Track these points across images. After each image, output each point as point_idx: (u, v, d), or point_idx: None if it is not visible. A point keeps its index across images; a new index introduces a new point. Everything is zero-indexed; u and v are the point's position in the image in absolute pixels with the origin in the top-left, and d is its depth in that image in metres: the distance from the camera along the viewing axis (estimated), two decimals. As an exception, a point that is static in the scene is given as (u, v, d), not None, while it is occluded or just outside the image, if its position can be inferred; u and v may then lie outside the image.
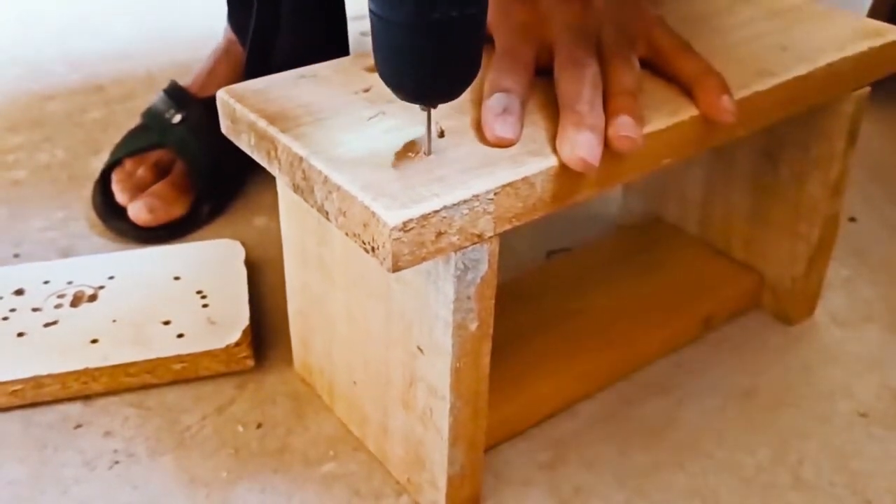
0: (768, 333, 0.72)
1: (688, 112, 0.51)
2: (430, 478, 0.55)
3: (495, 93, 0.48)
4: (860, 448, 0.61)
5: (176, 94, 0.87)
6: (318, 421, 0.63)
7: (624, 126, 0.46)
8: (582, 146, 0.45)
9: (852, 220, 0.85)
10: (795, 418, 0.64)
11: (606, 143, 0.46)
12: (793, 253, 0.69)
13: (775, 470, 0.60)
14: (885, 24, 0.62)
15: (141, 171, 0.84)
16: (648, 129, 0.49)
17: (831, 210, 0.67)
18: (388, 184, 0.43)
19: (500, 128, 0.46)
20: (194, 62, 0.95)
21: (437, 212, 0.42)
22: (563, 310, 0.68)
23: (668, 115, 0.50)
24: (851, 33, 0.60)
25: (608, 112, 0.48)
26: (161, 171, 0.85)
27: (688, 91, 0.52)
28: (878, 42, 0.59)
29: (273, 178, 0.51)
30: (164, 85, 0.89)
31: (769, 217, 0.70)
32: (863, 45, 0.59)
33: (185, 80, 0.91)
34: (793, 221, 0.68)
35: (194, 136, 0.85)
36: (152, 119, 0.87)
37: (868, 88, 0.62)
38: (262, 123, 0.49)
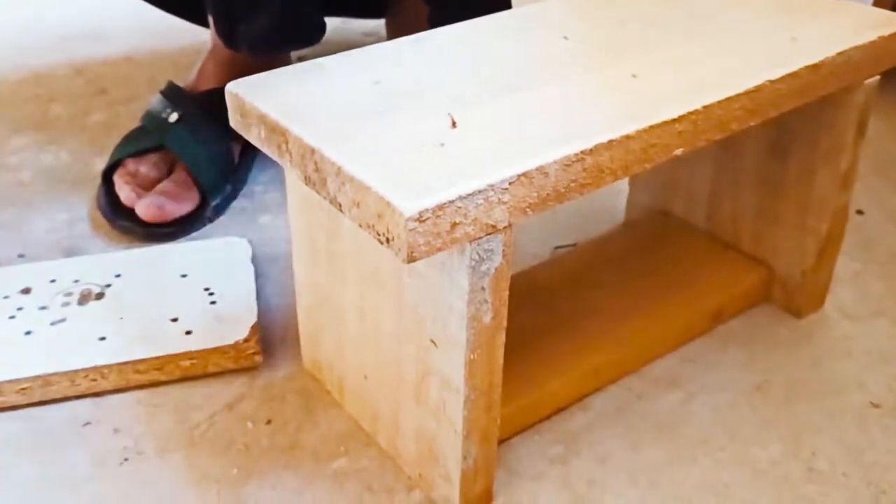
0: (778, 327, 0.71)
1: (700, 101, 0.50)
2: (443, 472, 0.54)
3: None
4: (873, 440, 0.61)
5: (171, 93, 0.87)
6: (329, 417, 0.62)
7: None
8: None
9: (860, 212, 0.85)
10: (807, 411, 0.63)
11: None
12: (802, 246, 0.69)
13: (789, 463, 0.59)
14: (895, 14, 0.62)
15: (144, 170, 0.84)
16: (660, 118, 0.48)
17: (840, 202, 0.67)
18: (403, 174, 0.43)
19: None
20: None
21: (452, 202, 0.41)
22: (571, 305, 0.68)
23: (681, 104, 0.50)
24: (861, 23, 0.60)
25: None
26: (164, 170, 0.85)
27: None
28: (887, 31, 0.59)
29: (278, 176, 0.51)
30: (167, 87, 0.89)
31: (777, 211, 0.70)
32: (872, 35, 0.59)
33: (183, 81, 0.91)
34: (801, 215, 0.68)
35: (192, 133, 0.84)
36: (151, 121, 0.86)
37: (878, 78, 0.62)
38: (272, 116, 0.49)
